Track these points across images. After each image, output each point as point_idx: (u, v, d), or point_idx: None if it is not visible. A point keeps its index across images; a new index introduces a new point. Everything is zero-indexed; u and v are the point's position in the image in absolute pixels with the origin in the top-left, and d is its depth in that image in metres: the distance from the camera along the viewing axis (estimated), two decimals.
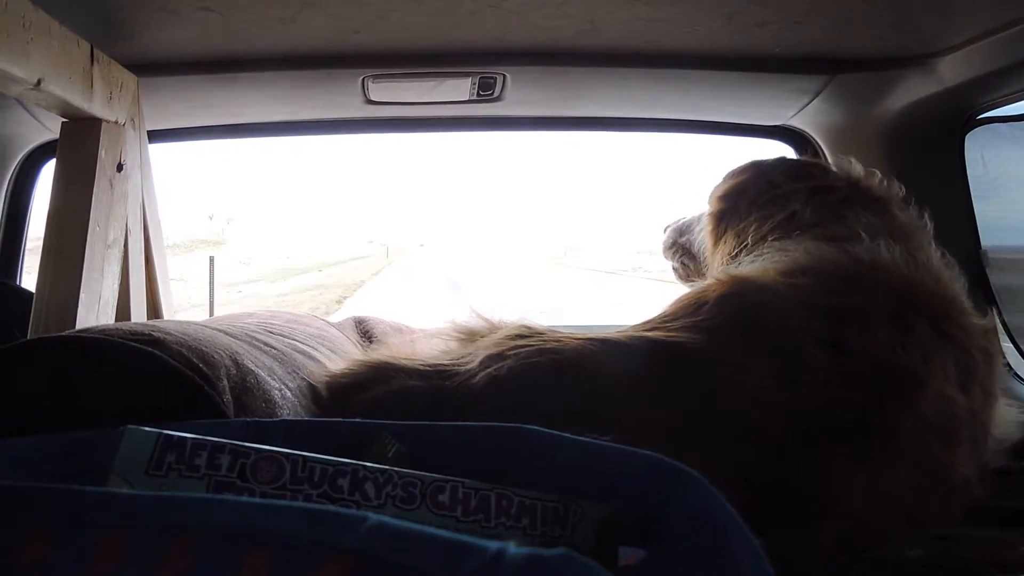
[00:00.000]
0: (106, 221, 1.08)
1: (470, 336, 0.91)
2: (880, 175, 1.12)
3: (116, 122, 1.13)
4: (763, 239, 1.06)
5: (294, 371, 0.83)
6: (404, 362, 0.85)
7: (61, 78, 0.95)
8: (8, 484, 0.38)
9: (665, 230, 1.45)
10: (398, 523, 0.34)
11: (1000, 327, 1.39)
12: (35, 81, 0.89)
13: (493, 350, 0.81)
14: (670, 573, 0.42)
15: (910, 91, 1.34)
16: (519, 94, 1.42)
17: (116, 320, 1.12)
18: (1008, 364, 1.36)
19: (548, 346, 0.80)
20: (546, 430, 0.50)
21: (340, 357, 0.98)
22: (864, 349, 0.79)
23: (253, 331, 0.88)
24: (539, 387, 0.77)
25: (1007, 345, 1.40)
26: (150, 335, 0.65)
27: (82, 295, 1.01)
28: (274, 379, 0.75)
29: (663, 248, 1.44)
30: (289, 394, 0.76)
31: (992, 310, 1.40)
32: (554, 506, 0.45)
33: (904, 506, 0.76)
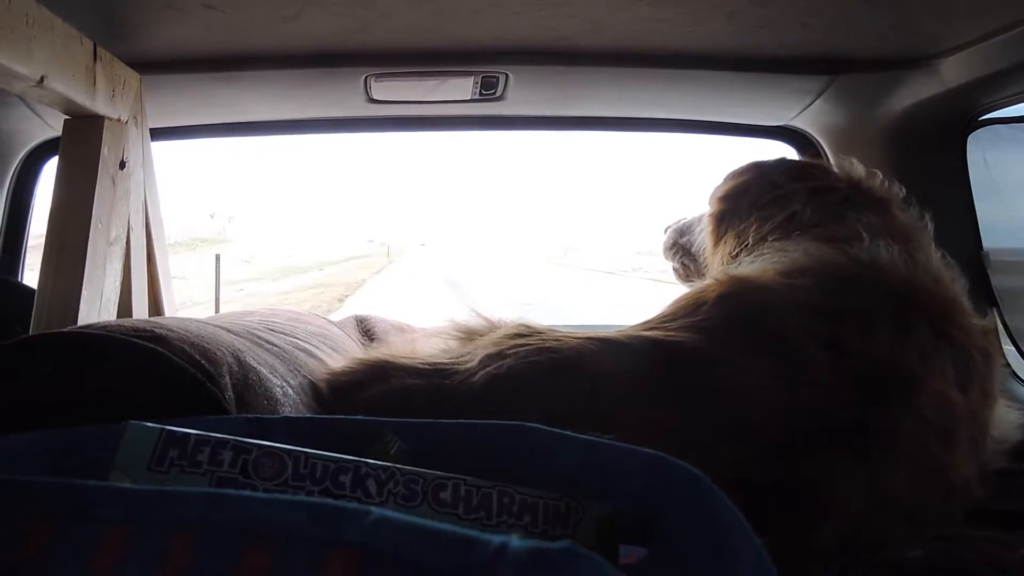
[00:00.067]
0: (108, 218, 1.08)
1: (470, 335, 0.91)
2: (881, 176, 1.12)
3: (119, 120, 1.13)
4: (763, 239, 1.06)
5: (296, 369, 0.83)
6: (404, 360, 0.85)
7: (64, 75, 0.95)
8: (10, 478, 0.38)
9: (665, 231, 1.45)
10: (402, 517, 0.34)
11: (1001, 329, 1.39)
12: (38, 78, 0.89)
13: (492, 349, 0.81)
14: (671, 572, 0.42)
15: (912, 92, 1.34)
16: (521, 93, 1.42)
17: (118, 317, 1.12)
18: (1008, 365, 1.36)
19: (547, 345, 0.80)
20: (547, 428, 0.50)
21: (341, 355, 0.98)
22: (863, 349, 0.79)
23: (255, 329, 0.88)
24: (538, 386, 0.77)
25: (1008, 347, 1.40)
26: (152, 331, 0.65)
27: (84, 292, 1.01)
28: (276, 376, 0.75)
29: (663, 249, 1.44)
30: (291, 391, 0.76)
31: (993, 312, 1.40)
32: (555, 504, 0.45)
33: (904, 507, 0.76)
